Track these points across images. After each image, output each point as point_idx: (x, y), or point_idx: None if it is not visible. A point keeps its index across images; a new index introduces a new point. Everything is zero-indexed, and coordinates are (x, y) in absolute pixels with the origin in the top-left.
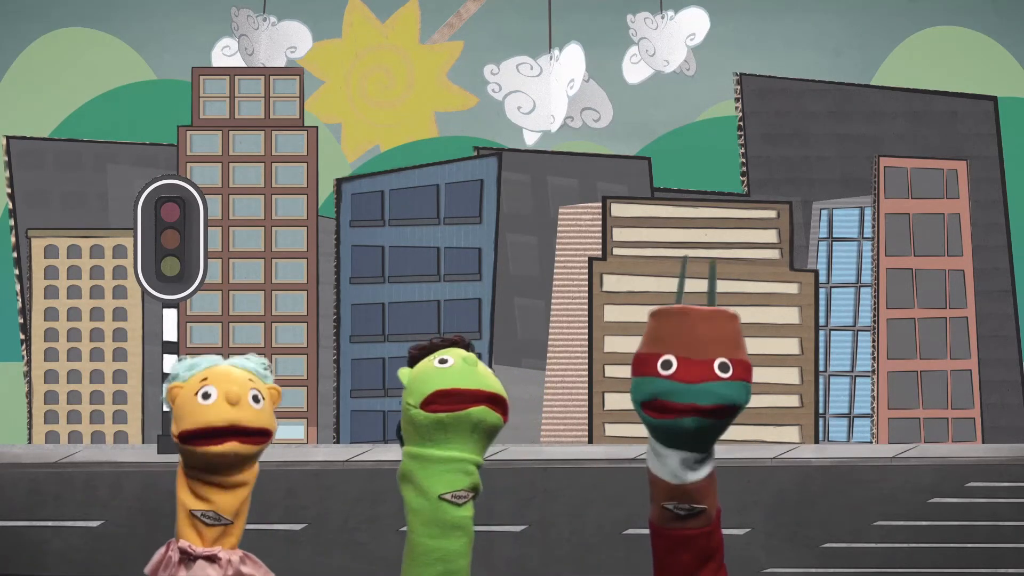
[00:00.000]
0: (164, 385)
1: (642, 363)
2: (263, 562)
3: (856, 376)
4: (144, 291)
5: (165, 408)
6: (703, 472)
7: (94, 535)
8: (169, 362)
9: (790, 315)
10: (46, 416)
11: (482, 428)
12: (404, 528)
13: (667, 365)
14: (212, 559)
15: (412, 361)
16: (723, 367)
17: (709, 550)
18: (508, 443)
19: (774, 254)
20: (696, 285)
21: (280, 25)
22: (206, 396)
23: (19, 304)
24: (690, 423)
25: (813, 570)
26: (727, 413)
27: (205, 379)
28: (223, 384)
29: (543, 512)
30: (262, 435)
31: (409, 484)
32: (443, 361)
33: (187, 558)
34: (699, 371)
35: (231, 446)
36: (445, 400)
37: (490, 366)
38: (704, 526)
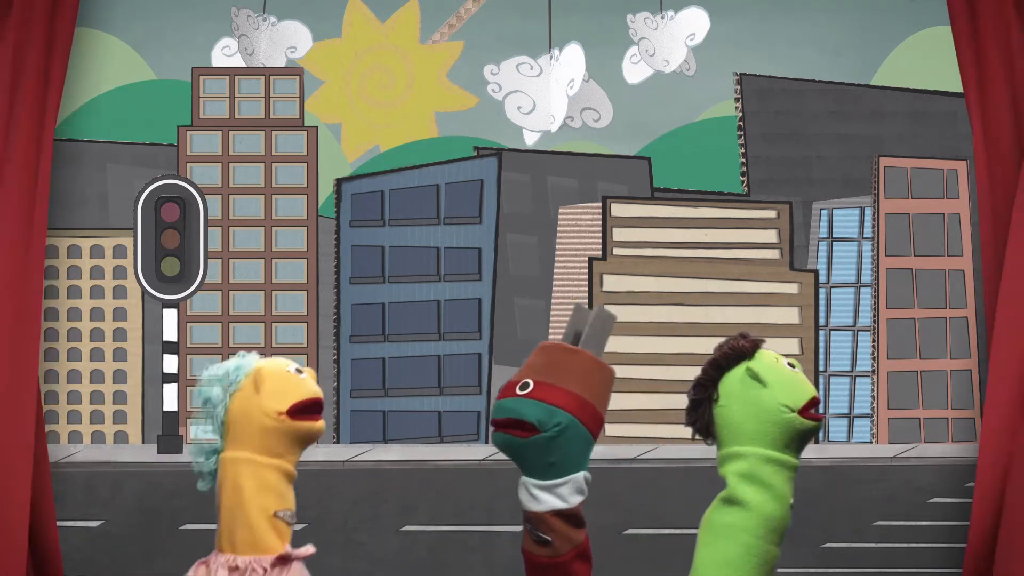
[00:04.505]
0: (229, 371)
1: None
2: None
3: (856, 376)
4: (144, 291)
5: (208, 400)
6: (544, 504)
7: (94, 535)
8: (170, 362)
9: (790, 315)
10: (46, 416)
11: None
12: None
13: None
14: (302, 558)
15: (728, 360)
16: (523, 386)
17: None
18: None
19: (774, 254)
20: (695, 285)
21: (280, 25)
22: (299, 371)
23: None
24: (496, 438)
25: (813, 570)
26: (517, 427)
27: (287, 365)
28: (300, 365)
29: None
30: None
31: (761, 488)
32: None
33: (283, 563)
34: (506, 391)
35: (322, 424)
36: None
37: (490, 366)
38: (550, 556)
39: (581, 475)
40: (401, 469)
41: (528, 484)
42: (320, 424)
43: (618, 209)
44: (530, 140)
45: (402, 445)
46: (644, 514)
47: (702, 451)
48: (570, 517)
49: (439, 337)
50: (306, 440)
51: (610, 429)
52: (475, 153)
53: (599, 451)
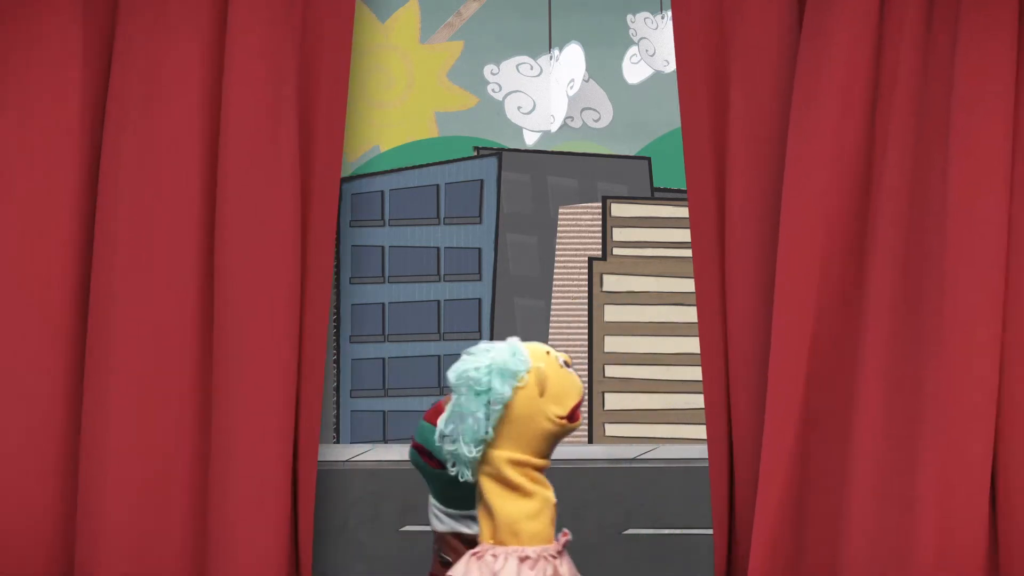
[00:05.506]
0: (507, 364)
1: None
2: None
3: None
4: None
5: (489, 391)
6: (447, 526)
7: None
8: None
9: None
10: None
11: None
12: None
13: None
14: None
15: None
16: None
17: None
18: None
19: None
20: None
21: None
22: (567, 364)
23: None
24: (411, 453)
25: None
26: (428, 455)
27: (547, 351)
28: (558, 353)
29: None
30: None
31: None
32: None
33: (560, 550)
34: (432, 413)
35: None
36: None
37: None
38: None
39: None
40: (401, 469)
41: (434, 507)
42: (579, 421)
43: (618, 209)
44: (530, 140)
45: (402, 445)
46: (644, 514)
47: (702, 451)
48: (472, 542)
49: (439, 337)
50: (565, 437)
51: (610, 429)
52: (475, 153)
53: (599, 451)
